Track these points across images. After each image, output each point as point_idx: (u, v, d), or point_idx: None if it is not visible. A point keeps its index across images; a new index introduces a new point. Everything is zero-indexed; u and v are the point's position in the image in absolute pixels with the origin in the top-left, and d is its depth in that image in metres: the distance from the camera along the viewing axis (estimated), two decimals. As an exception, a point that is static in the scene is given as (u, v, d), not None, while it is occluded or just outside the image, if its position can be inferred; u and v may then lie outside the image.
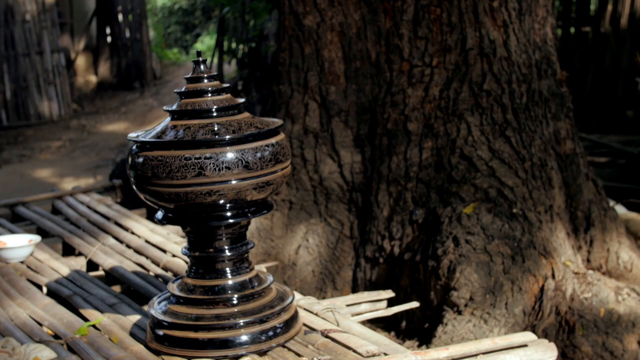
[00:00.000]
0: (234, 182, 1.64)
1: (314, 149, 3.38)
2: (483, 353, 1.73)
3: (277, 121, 1.78)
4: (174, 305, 1.80)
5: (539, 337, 1.84)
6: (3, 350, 1.76)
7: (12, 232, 2.97)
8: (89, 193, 3.62)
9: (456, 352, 1.70)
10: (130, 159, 1.72)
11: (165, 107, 1.75)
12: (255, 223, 3.36)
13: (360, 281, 3.30)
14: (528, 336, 1.80)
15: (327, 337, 1.83)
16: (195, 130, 1.66)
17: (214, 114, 1.70)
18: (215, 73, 1.80)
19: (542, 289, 2.86)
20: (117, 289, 2.45)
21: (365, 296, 2.32)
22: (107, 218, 3.12)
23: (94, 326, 1.96)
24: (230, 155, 1.63)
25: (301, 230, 3.37)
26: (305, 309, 2.04)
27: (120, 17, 11.45)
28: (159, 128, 1.73)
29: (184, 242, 2.67)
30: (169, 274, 2.42)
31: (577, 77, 6.99)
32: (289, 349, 1.76)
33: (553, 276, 2.89)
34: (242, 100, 1.79)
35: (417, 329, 3.00)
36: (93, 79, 11.73)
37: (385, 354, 1.72)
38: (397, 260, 3.16)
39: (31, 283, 2.38)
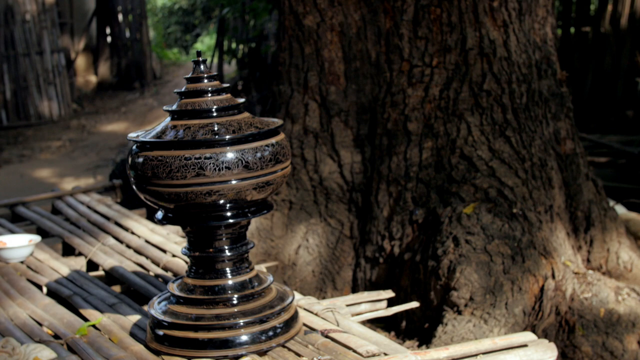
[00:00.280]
0: (234, 182, 1.64)
1: (314, 149, 3.38)
2: (483, 353, 1.73)
3: (277, 121, 1.78)
4: (174, 305, 1.80)
5: (539, 337, 1.84)
6: (3, 350, 1.76)
7: (12, 232, 2.97)
8: (89, 193, 3.62)
9: (456, 352, 1.70)
10: (130, 159, 1.72)
11: (165, 107, 1.75)
12: (255, 223, 3.36)
13: (360, 281, 3.30)
14: (528, 336, 1.80)
15: (327, 337, 1.83)
16: (195, 130, 1.67)
17: (214, 114, 1.70)
18: (215, 73, 1.80)
19: (542, 289, 2.86)
20: (117, 289, 2.45)
21: (365, 296, 2.32)
22: (107, 218, 3.12)
23: (94, 326, 1.96)
24: (230, 155, 1.63)
25: (301, 230, 3.37)
26: (305, 309, 2.04)
27: (120, 17, 11.45)
28: (159, 128, 1.73)
29: (184, 242, 2.67)
30: (169, 274, 2.42)
31: (577, 77, 6.99)
32: (289, 349, 1.76)
33: (553, 276, 2.89)
34: (242, 100, 1.79)
35: (417, 329, 3.00)
36: (93, 79, 11.73)
37: (385, 354, 1.72)
38: (397, 260, 3.16)
39: (31, 283, 2.38)
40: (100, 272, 2.57)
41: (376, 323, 3.13)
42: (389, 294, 2.36)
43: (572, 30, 7.29)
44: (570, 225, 3.28)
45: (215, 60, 9.18)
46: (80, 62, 11.57)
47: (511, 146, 3.11)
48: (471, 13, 3.13)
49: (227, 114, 1.72)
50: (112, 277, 2.50)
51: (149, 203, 1.75)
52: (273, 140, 1.71)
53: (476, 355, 1.72)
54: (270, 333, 1.75)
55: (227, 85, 1.78)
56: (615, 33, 6.95)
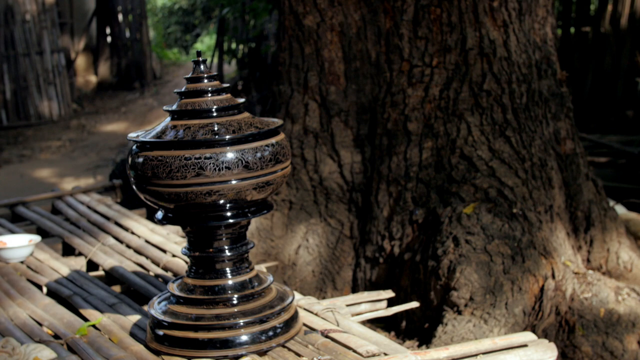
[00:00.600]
0: (234, 182, 1.64)
1: (314, 149, 3.38)
2: (483, 353, 1.73)
3: (277, 121, 1.78)
4: (174, 305, 1.80)
5: (539, 337, 1.84)
6: (3, 350, 1.76)
7: (12, 232, 2.97)
8: (89, 193, 3.62)
9: (456, 352, 1.70)
10: (130, 159, 1.72)
11: (165, 107, 1.75)
12: (255, 223, 3.36)
13: (360, 281, 3.30)
14: (528, 336, 1.80)
15: (327, 337, 1.83)
16: (195, 130, 1.67)
17: (214, 114, 1.70)
18: (215, 73, 1.80)
19: (542, 289, 2.86)
20: (117, 289, 2.45)
21: (365, 296, 2.32)
22: (107, 218, 3.12)
23: (94, 326, 1.96)
24: (230, 155, 1.63)
25: (301, 230, 3.37)
26: (305, 309, 2.04)
27: (120, 17, 11.44)
28: (159, 128, 1.73)
29: (184, 242, 2.67)
30: (169, 274, 2.42)
31: (577, 77, 6.99)
32: (289, 349, 1.76)
33: (553, 276, 2.89)
34: (242, 100, 1.79)
35: (417, 329, 3.00)
36: (93, 79, 11.73)
37: (385, 354, 1.72)
38: (397, 260, 3.16)
39: (31, 283, 2.38)
40: (100, 272, 2.57)
41: (376, 323, 3.13)
42: (389, 294, 2.36)
43: (572, 30, 7.29)
44: (570, 225, 3.28)
45: (215, 60, 9.17)
46: (80, 62, 11.57)
47: (511, 146, 3.11)
48: (471, 13, 3.12)
49: (227, 114, 1.72)
50: (112, 277, 2.50)
51: (149, 203, 1.75)
52: (273, 140, 1.71)
53: (476, 355, 1.72)
54: (270, 333, 1.75)
55: (227, 85, 1.78)
56: (615, 33, 6.95)
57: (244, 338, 1.72)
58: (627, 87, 6.91)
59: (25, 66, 9.94)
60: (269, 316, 1.76)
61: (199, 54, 1.79)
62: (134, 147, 1.72)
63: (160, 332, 1.77)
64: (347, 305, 2.26)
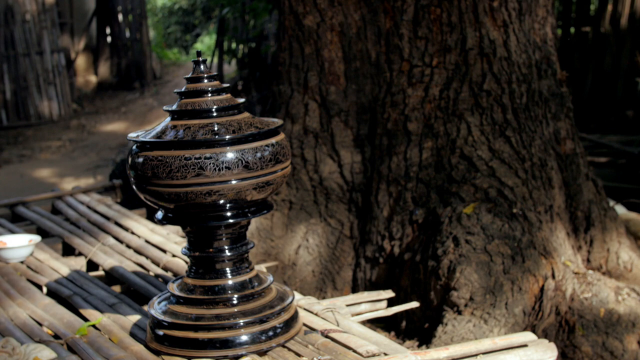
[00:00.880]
0: (234, 182, 1.64)
1: (314, 149, 3.38)
2: (483, 353, 1.73)
3: (277, 121, 1.78)
4: (174, 305, 1.80)
5: (539, 337, 1.84)
6: (3, 350, 1.76)
7: (12, 232, 2.97)
8: (89, 193, 3.62)
9: (456, 352, 1.70)
10: (130, 159, 1.72)
11: (165, 107, 1.75)
12: (255, 223, 3.36)
13: (360, 281, 3.30)
14: (528, 336, 1.80)
15: (327, 337, 1.83)
16: (195, 130, 1.66)
17: (214, 114, 1.70)
18: (215, 73, 1.80)
19: (542, 289, 2.86)
20: (117, 289, 2.45)
21: (365, 296, 2.32)
22: (107, 218, 3.12)
23: (94, 326, 1.96)
24: (230, 155, 1.63)
25: (301, 230, 3.37)
26: (305, 309, 2.04)
27: (120, 17, 11.44)
28: (159, 128, 1.73)
29: (184, 242, 2.67)
30: (169, 274, 2.42)
31: (577, 77, 6.99)
32: (289, 349, 1.76)
33: (553, 276, 2.89)
34: (242, 100, 1.79)
35: (417, 329, 3.00)
36: (93, 79, 11.73)
37: (385, 354, 1.72)
38: (397, 260, 3.16)
39: (31, 283, 2.38)
40: (100, 272, 2.57)
41: (376, 323, 3.13)
42: (389, 294, 2.36)
43: (572, 30, 7.29)
44: (570, 225, 3.28)
45: (215, 60, 9.18)
46: (80, 62, 11.57)
47: (511, 146, 3.11)
48: (471, 13, 3.12)
49: (227, 114, 1.72)
50: (112, 277, 2.50)
51: (149, 203, 1.75)
52: (273, 140, 1.71)
53: (476, 355, 1.72)
54: (270, 333, 1.75)
55: (227, 85, 1.78)
56: (615, 33, 6.95)
57: (244, 338, 1.72)
58: (627, 87, 6.91)
59: (25, 66, 9.94)
60: (269, 316, 1.76)
61: (199, 54, 1.79)
62: (134, 147, 1.72)
63: (160, 332, 1.77)
64: (347, 305, 2.26)
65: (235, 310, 1.75)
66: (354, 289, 3.32)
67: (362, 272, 3.29)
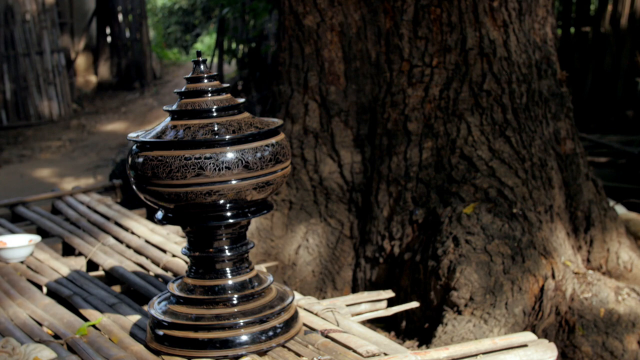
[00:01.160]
0: (234, 182, 1.64)
1: (314, 149, 3.38)
2: (483, 353, 1.73)
3: (277, 121, 1.78)
4: (174, 305, 1.80)
5: (539, 337, 1.84)
6: (3, 350, 1.76)
7: (12, 232, 2.97)
8: (89, 193, 3.62)
9: (456, 352, 1.70)
10: (130, 159, 1.72)
11: (165, 107, 1.75)
12: (255, 223, 3.36)
13: (360, 281, 3.30)
14: (528, 336, 1.80)
15: (327, 337, 1.83)
16: (195, 130, 1.66)
17: (214, 114, 1.70)
18: (215, 73, 1.80)
19: (542, 289, 2.86)
20: (117, 289, 2.45)
21: (365, 296, 2.32)
22: (107, 218, 3.12)
23: (94, 326, 1.96)
24: (230, 155, 1.63)
25: (301, 230, 3.37)
26: (305, 309, 2.04)
27: (120, 17, 11.44)
28: (159, 128, 1.73)
29: (184, 242, 2.67)
30: (169, 274, 2.42)
31: (577, 77, 6.99)
32: (289, 349, 1.76)
33: (553, 276, 2.89)
34: (242, 100, 1.79)
35: (417, 329, 3.00)
36: (93, 79, 11.72)
37: (385, 354, 1.72)
38: (397, 260, 3.16)
39: (31, 283, 2.38)
40: (100, 272, 2.57)
41: (376, 323, 3.13)
42: (389, 294, 2.36)
43: (572, 30, 7.29)
44: (570, 225, 3.28)
45: (215, 60, 9.17)
46: (80, 62, 11.57)
47: (511, 146, 3.11)
48: (471, 13, 3.12)
49: (227, 114, 1.72)
50: (112, 277, 2.50)
51: (149, 203, 1.75)
52: (273, 140, 1.71)
53: (476, 355, 1.72)
54: (270, 333, 1.75)
55: (227, 85, 1.78)
56: (615, 33, 6.95)
57: (244, 338, 1.72)
58: (627, 87, 6.91)
59: (25, 66, 9.94)
60: (269, 316, 1.76)
61: (199, 54, 1.79)
62: (134, 147, 1.72)
63: (160, 332, 1.77)
64: (347, 305, 2.26)
65: (235, 310, 1.75)
66: (354, 289, 3.32)
67: (362, 272, 3.29)
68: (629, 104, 6.83)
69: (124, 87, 11.50)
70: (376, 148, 3.31)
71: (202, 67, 1.77)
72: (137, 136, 1.73)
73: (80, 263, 2.67)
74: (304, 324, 1.91)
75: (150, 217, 3.34)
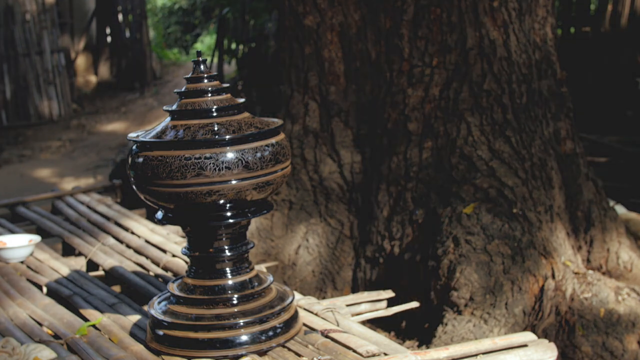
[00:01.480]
0: (234, 182, 1.64)
1: (314, 149, 3.38)
2: (483, 353, 1.73)
3: (277, 121, 1.78)
4: (174, 305, 1.80)
5: (539, 337, 1.84)
6: (3, 350, 1.76)
7: (12, 232, 2.97)
8: (89, 193, 3.62)
9: (456, 352, 1.70)
10: (130, 159, 1.72)
11: (165, 107, 1.75)
12: (255, 223, 3.36)
13: (360, 281, 3.30)
14: (528, 336, 1.80)
15: (327, 337, 1.83)
16: (195, 130, 1.67)
17: (214, 114, 1.70)
18: (215, 73, 1.80)
19: (542, 289, 2.86)
20: (117, 289, 2.45)
21: (365, 296, 2.32)
22: (107, 218, 3.12)
23: (94, 326, 1.96)
24: (230, 155, 1.63)
25: (301, 230, 3.37)
26: (305, 309, 2.04)
27: (120, 17, 11.44)
28: (159, 128, 1.73)
29: (184, 242, 2.67)
30: (169, 274, 2.42)
31: (577, 77, 6.99)
32: (289, 349, 1.76)
33: (553, 276, 2.89)
34: (242, 100, 1.79)
35: (417, 329, 3.00)
36: (93, 79, 11.72)
37: (385, 354, 1.72)
38: (397, 260, 3.16)
39: (31, 283, 2.38)
40: (100, 272, 2.57)
41: (376, 323, 3.13)
42: (389, 294, 2.36)
43: (572, 30, 7.29)
44: (570, 225, 3.28)
45: (215, 60, 9.17)
46: (80, 62, 11.57)
47: (511, 146, 3.11)
48: (471, 13, 3.12)
49: (227, 114, 1.72)
50: (112, 277, 2.50)
51: (149, 203, 1.75)
52: (273, 140, 1.71)
53: (476, 355, 1.72)
54: (270, 333, 1.75)
55: (227, 85, 1.78)
56: (615, 33, 6.95)
57: (244, 338, 1.72)
58: (627, 87, 6.91)
59: (25, 66, 9.94)
60: (269, 316, 1.76)
61: (199, 54, 1.79)
62: (134, 147, 1.72)
63: (160, 332, 1.77)
64: (347, 305, 2.26)
65: (235, 310, 1.75)
66: (354, 289, 3.32)
67: (362, 272, 3.29)
68: (629, 104, 6.83)
69: (124, 87, 11.50)
70: (376, 148, 3.31)
71: (202, 67, 1.77)
72: (137, 136, 1.73)
73: (80, 263, 2.67)
74: (304, 324, 1.91)
75: (150, 217, 3.34)
